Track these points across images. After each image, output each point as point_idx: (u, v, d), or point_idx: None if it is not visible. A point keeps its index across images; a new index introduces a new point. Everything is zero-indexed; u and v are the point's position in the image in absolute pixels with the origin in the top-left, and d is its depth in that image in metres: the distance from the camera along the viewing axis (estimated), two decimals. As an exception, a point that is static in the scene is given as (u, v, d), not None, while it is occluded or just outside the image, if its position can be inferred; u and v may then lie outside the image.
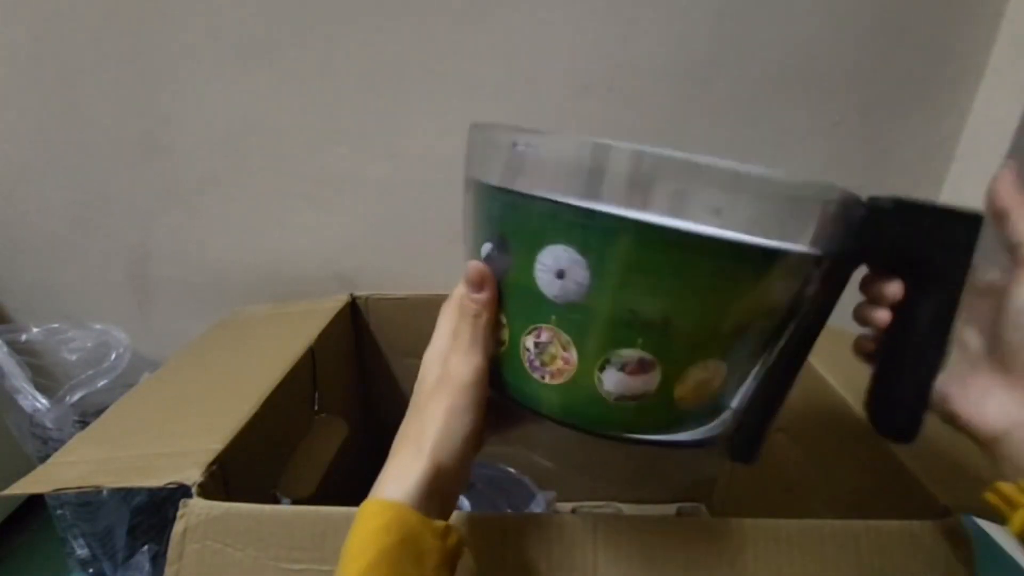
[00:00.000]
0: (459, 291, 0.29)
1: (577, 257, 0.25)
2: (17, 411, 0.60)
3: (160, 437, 0.39)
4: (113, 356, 0.63)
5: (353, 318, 0.64)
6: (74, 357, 0.66)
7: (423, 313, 0.65)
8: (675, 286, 0.25)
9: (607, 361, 0.26)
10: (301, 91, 0.60)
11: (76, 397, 0.60)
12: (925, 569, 0.31)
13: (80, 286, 0.73)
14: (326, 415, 0.53)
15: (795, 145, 0.61)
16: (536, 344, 0.27)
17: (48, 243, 0.70)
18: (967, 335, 0.28)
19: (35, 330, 0.66)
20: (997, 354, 0.26)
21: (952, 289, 0.26)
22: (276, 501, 0.43)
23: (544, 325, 0.27)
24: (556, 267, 0.25)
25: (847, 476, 0.44)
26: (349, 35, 0.58)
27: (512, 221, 0.27)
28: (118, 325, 0.67)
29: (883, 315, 0.28)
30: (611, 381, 0.26)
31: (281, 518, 0.32)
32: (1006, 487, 0.25)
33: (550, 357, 0.27)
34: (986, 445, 0.26)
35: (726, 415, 0.30)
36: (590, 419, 0.28)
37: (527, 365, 0.28)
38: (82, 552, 0.59)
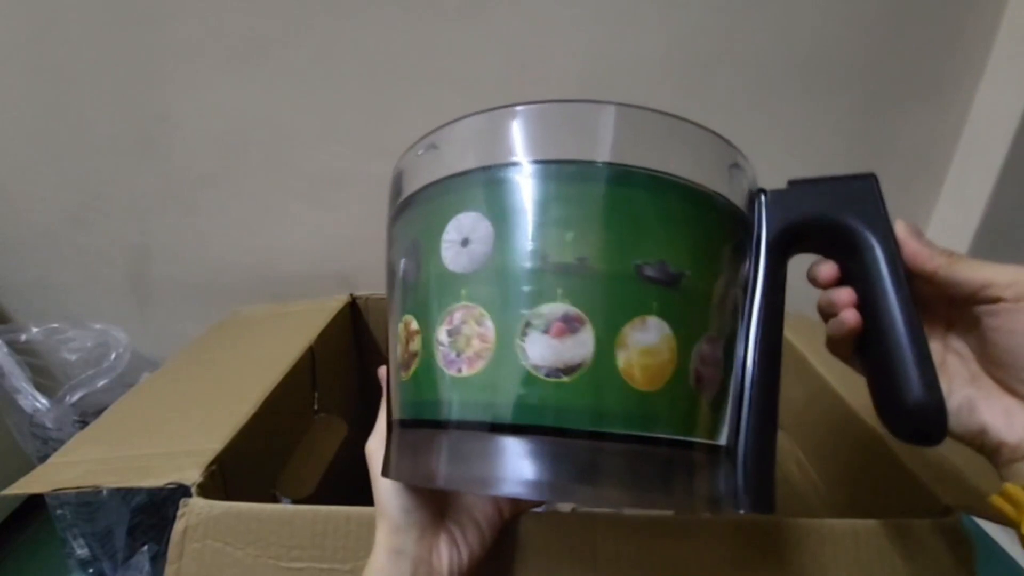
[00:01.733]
0: None
1: (477, 216, 0.24)
2: (17, 411, 0.60)
3: (160, 437, 0.39)
4: (113, 356, 0.63)
5: (353, 318, 0.64)
6: (74, 357, 0.66)
7: (423, 313, 0.66)
8: (577, 219, 0.23)
9: (528, 325, 0.22)
10: (300, 90, 0.60)
11: (76, 397, 0.60)
12: (925, 569, 0.31)
13: (80, 286, 0.73)
14: (326, 415, 0.53)
15: (796, 142, 0.61)
16: (449, 332, 0.24)
17: (47, 243, 0.70)
18: (960, 354, 0.28)
19: (35, 330, 0.66)
20: (1001, 378, 0.26)
21: (887, 249, 0.26)
22: (276, 501, 0.43)
23: (455, 305, 0.24)
24: (460, 237, 0.24)
25: (847, 475, 0.44)
26: (348, 33, 0.57)
27: (417, 221, 0.27)
28: (118, 325, 0.67)
29: (842, 295, 0.27)
30: (536, 349, 0.22)
31: (281, 517, 0.32)
32: (1014, 489, 0.24)
33: (465, 340, 0.23)
34: (1009, 462, 0.25)
35: (721, 432, 0.25)
36: (521, 408, 0.22)
37: (442, 364, 0.24)
38: (82, 552, 0.59)
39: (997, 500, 0.25)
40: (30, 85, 0.61)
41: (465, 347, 0.23)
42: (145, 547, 0.59)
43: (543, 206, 0.23)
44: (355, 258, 0.69)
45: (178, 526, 0.32)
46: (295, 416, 0.49)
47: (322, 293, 0.64)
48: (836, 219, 0.26)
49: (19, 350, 0.62)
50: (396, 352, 0.27)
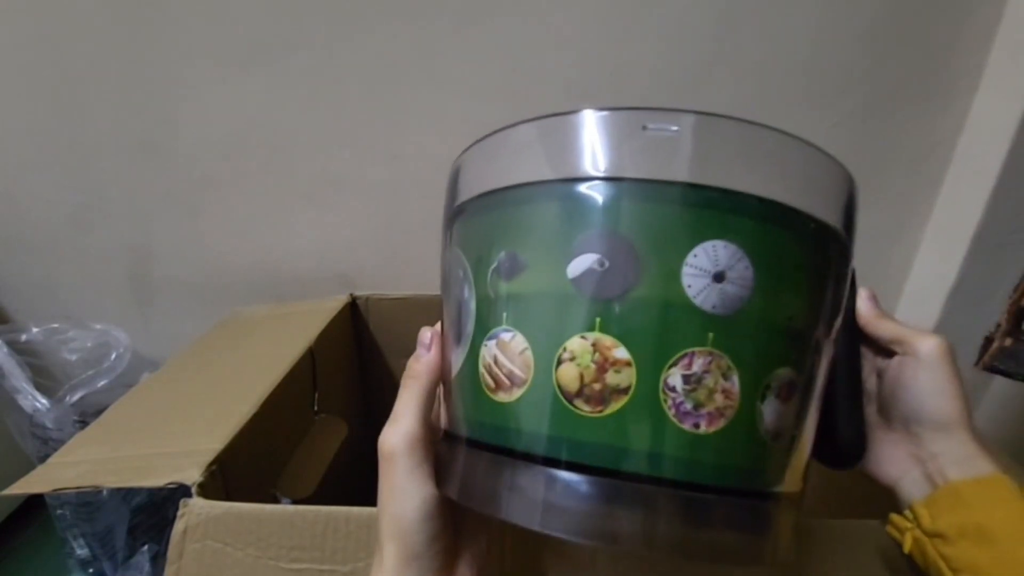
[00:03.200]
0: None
1: (740, 252, 0.20)
2: (17, 411, 0.60)
3: (160, 437, 0.40)
4: (113, 356, 0.64)
5: (353, 318, 0.64)
6: (74, 357, 0.66)
7: (423, 313, 0.66)
8: (814, 283, 0.22)
9: (767, 387, 0.21)
10: (302, 92, 0.60)
11: (76, 397, 0.60)
12: (924, 569, 0.31)
13: (80, 286, 0.73)
14: (326, 415, 0.53)
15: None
16: (686, 378, 0.20)
17: (48, 243, 0.70)
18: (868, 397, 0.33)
19: (35, 330, 0.66)
20: (883, 417, 0.32)
21: (850, 324, 0.32)
22: (276, 501, 0.43)
23: (698, 349, 0.20)
24: (714, 268, 0.20)
25: (846, 476, 0.44)
26: (350, 37, 0.58)
27: (643, 221, 0.21)
28: (118, 325, 0.67)
29: None
30: (771, 413, 0.21)
31: (281, 518, 0.32)
32: (896, 517, 0.30)
33: (707, 393, 0.20)
34: (886, 489, 0.31)
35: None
36: (751, 475, 0.21)
37: (671, 412, 0.20)
38: (82, 552, 0.59)
39: (889, 528, 0.30)
40: (33, 86, 0.61)
41: (707, 401, 0.20)
42: (145, 547, 0.59)
43: (802, 264, 0.22)
44: (355, 259, 0.69)
45: (178, 526, 0.32)
46: (295, 416, 0.50)
47: (322, 293, 0.64)
48: None
49: (19, 350, 0.62)
50: (557, 372, 0.21)
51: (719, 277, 0.20)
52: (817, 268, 0.23)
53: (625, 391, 0.20)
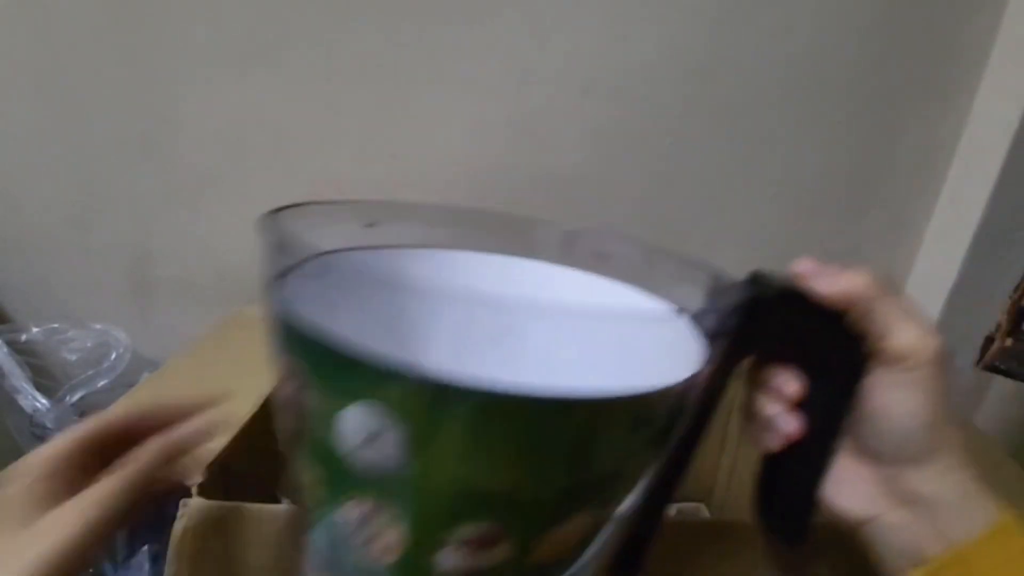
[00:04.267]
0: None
1: (387, 423, 0.19)
2: (17, 411, 0.60)
3: (160, 437, 0.39)
4: (113, 356, 0.63)
5: (353, 318, 0.64)
6: (74, 357, 0.66)
7: (423, 313, 0.66)
8: (526, 452, 0.20)
9: (442, 542, 0.20)
10: (302, 91, 0.60)
11: (76, 397, 0.60)
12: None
13: (80, 286, 0.73)
14: (326, 415, 0.53)
15: (795, 146, 0.62)
16: (357, 518, 0.21)
17: (48, 243, 0.70)
18: None
19: (35, 330, 0.66)
20: (851, 444, 0.25)
21: (850, 381, 0.24)
22: (276, 501, 0.43)
23: (361, 498, 0.21)
24: (363, 432, 0.19)
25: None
26: (350, 36, 0.58)
27: (311, 373, 0.21)
28: (118, 325, 0.67)
29: (774, 408, 0.25)
30: (450, 562, 0.21)
31: (281, 517, 0.32)
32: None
33: (374, 533, 0.21)
34: (851, 529, 0.25)
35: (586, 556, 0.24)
36: None
37: (348, 541, 0.22)
38: (82, 552, 0.59)
39: None
40: (33, 85, 0.61)
41: (376, 537, 0.21)
42: (145, 547, 0.58)
43: (479, 436, 0.19)
44: (355, 258, 0.69)
45: (178, 526, 0.32)
46: (295, 416, 0.49)
47: (322, 293, 0.64)
48: (821, 345, 0.24)
49: (19, 350, 0.62)
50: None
51: (371, 441, 0.19)
52: (516, 429, 0.19)
53: (313, 508, 0.24)
